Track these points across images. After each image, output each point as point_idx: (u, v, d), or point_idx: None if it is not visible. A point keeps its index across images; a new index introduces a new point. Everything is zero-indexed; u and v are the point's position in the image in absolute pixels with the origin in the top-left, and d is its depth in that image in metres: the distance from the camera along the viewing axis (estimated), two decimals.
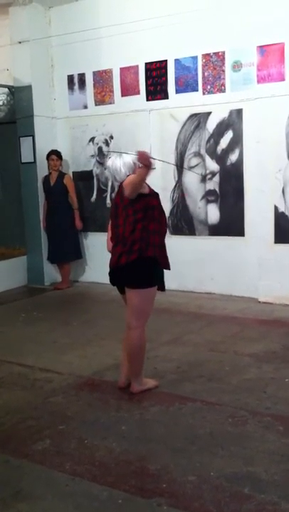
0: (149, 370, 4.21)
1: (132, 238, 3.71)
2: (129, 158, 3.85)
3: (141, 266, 3.73)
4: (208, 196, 6.59)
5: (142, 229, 3.72)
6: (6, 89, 7.72)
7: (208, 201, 6.60)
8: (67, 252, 7.35)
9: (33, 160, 7.47)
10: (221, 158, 6.45)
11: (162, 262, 3.84)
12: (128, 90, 6.99)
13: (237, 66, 6.24)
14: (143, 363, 3.90)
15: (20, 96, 7.45)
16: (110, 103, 7.14)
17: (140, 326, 3.83)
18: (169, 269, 3.89)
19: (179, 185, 6.77)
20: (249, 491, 2.69)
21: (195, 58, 6.47)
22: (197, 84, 6.49)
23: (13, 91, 7.54)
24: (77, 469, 2.96)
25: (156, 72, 6.76)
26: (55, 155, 7.28)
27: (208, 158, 6.52)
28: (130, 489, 2.75)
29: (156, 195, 3.89)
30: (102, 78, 7.17)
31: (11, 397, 3.97)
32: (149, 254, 3.72)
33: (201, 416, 3.52)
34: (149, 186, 3.84)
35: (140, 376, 3.91)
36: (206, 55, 6.39)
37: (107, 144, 7.22)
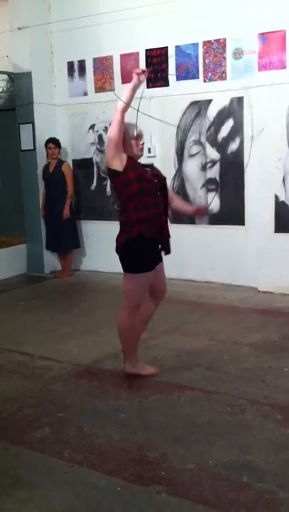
0: (149, 358, 4.22)
1: (121, 220, 3.75)
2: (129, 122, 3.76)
3: (127, 250, 3.72)
4: (209, 185, 6.56)
5: (123, 210, 3.73)
6: (6, 76, 7.67)
7: (209, 190, 6.58)
8: (64, 240, 7.33)
9: (32, 147, 7.43)
10: (221, 147, 6.41)
11: (152, 237, 3.71)
12: (128, 77, 6.89)
13: (238, 53, 6.19)
14: (133, 346, 3.94)
15: (19, 83, 7.40)
16: (110, 90, 7.08)
17: (126, 308, 3.84)
18: (165, 238, 3.81)
19: (179, 173, 6.74)
20: (247, 480, 2.71)
21: (196, 45, 6.42)
22: (198, 71, 6.44)
23: (13, 78, 7.49)
24: (76, 457, 2.97)
25: (156, 59, 6.71)
26: (52, 143, 7.25)
27: (208, 147, 6.49)
28: (129, 477, 2.76)
29: (134, 167, 3.70)
30: (103, 65, 7.12)
31: (11, 385, 3.98)
32: (134, 235, 3.66)
33: (200, 405, 3.53)
34: (129, 161, 3.70)
35: (132, 358, 3.95)
36: (207, 42, 6.33)
37: (107, 131, 7.17)
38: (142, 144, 3.82)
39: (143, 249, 3.73)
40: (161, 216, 3.79)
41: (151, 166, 3.96)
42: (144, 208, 3.68)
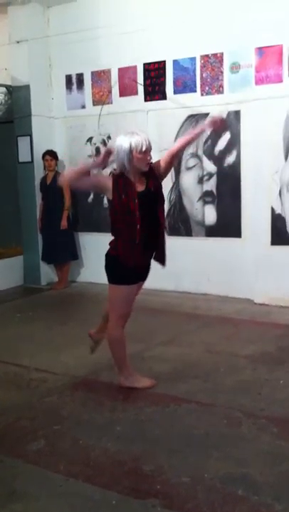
0: (145, 370, 4.22)
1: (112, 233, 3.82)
2: (143, 137, 3.70)
3: (107, 261, 3.81)
4: (206, 197, 6.60)
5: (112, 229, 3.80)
6: (4, 89, 7.70)
7: (206, 202, 6.60)
8: (61, 252, 7.33)
9: (30, 159, 7.46)
10: (218, 160, 6.45)
11: (123, 260, 3.72)
12: (126, 91, 6.99)
13: (235, 67, 6.25)
14: (123, 358, 3.94)
15: (18, 95, 7.45)
16: (108, 103, 7.13)
17: (111, 319, 3.88)
18: (130, 266, 3.76)
19: (176, 186, 6.77)
20: (243, 493, 2.70)
21: (193, 59, 6.48)
22: (195, 85, 6.50)
23: (11, 90, 7.53)
24: (71, 470, 2.96)
25: (154, 73, 6.76)
26: (49, 155, 7.28)
27: (205, 159, 6.53)
28: (124, 490, 2.75)
29: (118, 186, 3.70)
30: (100, 78, 7.17)
31: (6, 396, 3.97)
32: (112, 253, 3.77)
33: (196, 417, 3.53)
34: (116, 180, 3.72)
35: (124, 370, 3.95)
36: (204, 56, 6.40)
37: (104, 144, 7.21)
38: (150, 158, 3.77)
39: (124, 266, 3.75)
40: (139, 245, 3.72)
41: (148, 173, 3.82)
42: (123, 237, 3.71)
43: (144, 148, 3.66)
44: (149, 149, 3.71)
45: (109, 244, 3.84)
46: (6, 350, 4.93)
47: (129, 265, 3.73)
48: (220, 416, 3.52)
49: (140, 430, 3.39)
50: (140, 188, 3.74)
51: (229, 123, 6.33)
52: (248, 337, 5.11)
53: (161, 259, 3.94)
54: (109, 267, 3.83)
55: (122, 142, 3.67)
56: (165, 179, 6.72)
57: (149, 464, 2.98)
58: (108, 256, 3.82)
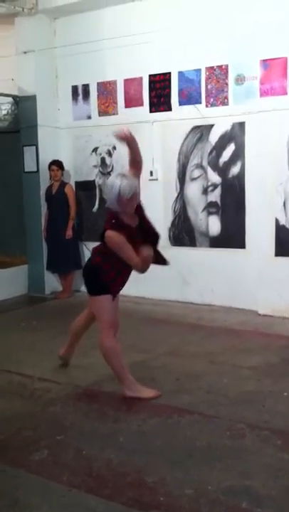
0: (148, 380, 4.21)
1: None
2: (130, 183, 3.79)
3: (91, 273, 3.97)
4: (210, 208, 6.61)
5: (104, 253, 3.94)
6: (11, 99, 7.76)
7: (210, 213, 6.62)
8: (66, 262, 7.35)
9: (36, 169, 7.51)
10: (222, 171, 6.48)
11: (112, 284, 3.95)
12: (132, 102, 7.03)
13: (240, 79, 6.28)
14: (121, 368, 3.98)
15: (24, 105, 7.50)
16: (114, 114, 7.18)
17: (102, 330, 3.98)
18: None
19: (181, 196, 6.80)
20: (246, 506, 2.69)
21: (198, 71, 6.52)
22: (200, 96, 6.53)
23: (18, 100, 7.59)
24: (74, 480, 2.95)
25: (159, 84, 6.81)
26: (55, 165, 7.32)
27: (210, 171, 6.55)
28: (127, 501, 2.75)
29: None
30: (106, 89, 7.22)
31: (10, 406, 3.97)
32: (97, 263, 3.94)
33: (199, 428, 3.52)
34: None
35: (126, 380, 3.97)
36: (209, 68, 6.44)
37: (110, 154, 7.26)
38: (137, 201, 3.90)
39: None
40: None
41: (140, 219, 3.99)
42: (117, 266, 3.88)
43: (129, 196, 3.76)
44: (135, 195, 3.82)
45: (93, 254, 3.97)
46: (10, 359, 4.94)
47: (117, 287, 3.97)
48: (223, 428, 3.51)
49: (143, 441, 3.38)
50: (133, 223, 3.91)
51: (234, 134, 6.36)
52: (252, 348, 5.10)
53: (163, 262, 4.17)
54: (93, 278, 3.94)
55: (113, 184, 3.77)
56: (169, 189, 6.86)
57: (152, 475, 2.98)
58: (91, 267, 3.94)
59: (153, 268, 6.96)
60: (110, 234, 3.79)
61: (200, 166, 6.63)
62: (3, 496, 2.84)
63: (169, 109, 6.76)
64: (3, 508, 2.74)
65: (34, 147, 7.45)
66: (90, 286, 3.99)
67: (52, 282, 7.68)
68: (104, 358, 4.01)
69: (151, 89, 6.86)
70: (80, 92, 7.44)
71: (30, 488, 2.92)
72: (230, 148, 6.40)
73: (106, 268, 3.89)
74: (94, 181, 7.47)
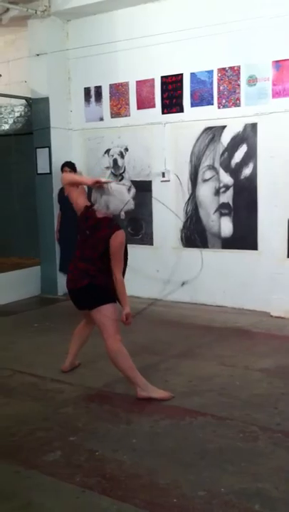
0: (160, 382, 4.22)
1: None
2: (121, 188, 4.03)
3: (95, 290, 4.03)
4: (222, 209, 6.61)
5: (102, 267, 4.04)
6: (24, 101, 7.82)
7: (222, 214, 6.62)
8: None
9: (48, 171, 7.55)
10: (234, 172, 6.47)
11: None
12: (144, 103, 7.05)
13: (252, 80, 6.28)
14: (132, 369, 3.99)
15: (37, 108, 7.55)
16: (126, 115, 7.20)
17: (109, 337, 4.00)
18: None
19: (193, 198, 6.80)
20: (259, 508, 2.69)
21: (211, 72, 6.52)
22: (212, 98, 6.54)
23: (31, 103, 7.64)
24: (87, 482, 2.97)
25: (172, 86, 6.82)
26: (68, 167, 7.33)
27: (222, 172, 6.55)
28: (140, 503, 2.76)
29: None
30: (119, 91, 7.24)
31: (23, 407, 3.99)
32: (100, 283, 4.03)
33: (211, 430, 3.52)
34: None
35: (138, 381, 3.98)
36: (221, 70, 6.44)
37: (122, 156, 7.28)
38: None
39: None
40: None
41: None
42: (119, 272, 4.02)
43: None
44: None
45: (92, 275, 4.00)
46: (23, 360, 4.97)
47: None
48: (235, 430, 3.51)
49: (155, 443, 3.39)
50: None
51: (246, 136, 6.36)
52: (264, 350, 5.10)
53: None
54: (97, 293, 4.00)
55: (123, 192, 4.01)
56: (181, 191, 6.87)
57: (164, 477, 2.99)
58: (94, 286, 3.99)
59: (165, 269, 6.99)
60: (121, 233, 3.93)
61: (212, 167, 6.63)
62: (17, 496, 2.86)
63: (181, 110, 6.77)
64: (17, 508, 2.76)
65: (47, 149, 7.49)
66: (91, 302, 4.03)
67: (64, 283, 7.68)
68: (113, 362, 4.02)
69: (163, 91, 6.87)
70: (93, 94, 7.47)
71: (44, 489, 2.94)
72: (243, 150, 6.39)
73: (106, 282, 3.98)
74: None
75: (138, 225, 7.21)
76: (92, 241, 4.01)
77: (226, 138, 6.49)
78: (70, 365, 4.62)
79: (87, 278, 4.01)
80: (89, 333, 4.59)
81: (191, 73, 6.65)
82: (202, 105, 6.61)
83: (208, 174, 6.67)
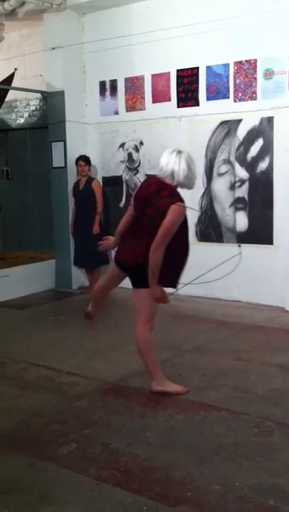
0: (174, 377, 4.22)
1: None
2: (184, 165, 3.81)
3: (144, 269, 3.80)
4: (237, 204, 6.57)
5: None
6: (39, 95, 7.83)
7: (237, 209, 6.58)
8: (92, 257, 7.36)
9: (63, 165, 7.55)
10: (250, 166, 6.43)
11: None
12: (159, 97, 7.02)
13: (269, 74, 6.22)
14: (154, 361, 3.96)
15: (52, 101, 7.55)
16: (141, 109, 7.18)
17: (142, 323, 3.94)
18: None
19: (208, 192, 6.77)
20: (274, 503, 2.68)
21: (227, 66, 6.47)
22: (228, 91, 6.49)
23: (46, 96, 7.64)
24: (102, 474, 2.97)
25: (187, 79, 6.78)
26: (83, 160, 7.34)
27: (237, 166, 6.51)
28: (155, 496, 2.76)
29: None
30: (134, 85, 7.22)
31: (38, 400, 4.01)
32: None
33: (226, 425, 3.51)
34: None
35: (156, 375, 3.96)
36: (237, 63, 6.38)
37: (137, 150, 7.26)
38: None
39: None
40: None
41: None
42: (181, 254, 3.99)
43: None
44: None
45: (138, 255, 3.81)
46: (38, 354, 4.99)
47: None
48: (250, 425, 3.49)
49: (170, 437, 3.39)
50: None
51: (262, 129, 6.30)
52: (280, 345, 5.07)
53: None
54: (143, 275, 3.79)
55: (191, 166, 3.85)
56: (197, 184, 6.84)
57: (179, 471, 2.98)
58: (140, 268, 3.78)
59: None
60: (181, 206, 3.73)
61: (227, 161, 6.59)
62: (32, 489, 2.88)
63: (197, 104, 6.73)
64: (32, 501, 2.77)
65: (62, 143, 7.50)
66: (137, 280, 3.87)
67: (79, 277, 7.73)
68: (138, 350, 3.97)
69: (178, 85, 6.83)
70: (108, 88, 7.46)
71: (59, 481, 2.95)
72: (259, 144, 6.34)
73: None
74: (121, 177, 7.48)
75: None
76: (150, 211, 3.77)
77: (241, 132, 6.44)
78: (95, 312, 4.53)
79: (134, 258, 3.83)
80: (108, 294, 4.47)
81: (207, 66, 6.60)
82: (218, 99, 6.56)
83: (224, 168, 6.63)
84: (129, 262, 3.88)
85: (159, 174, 3.89)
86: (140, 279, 3.84)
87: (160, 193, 3.79)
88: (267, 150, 6.29)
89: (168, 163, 3.83)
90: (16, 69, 8.09)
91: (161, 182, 3.84)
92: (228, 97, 6.49)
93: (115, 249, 4.14)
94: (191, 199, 6.76)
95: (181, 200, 3.78)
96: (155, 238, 3.68)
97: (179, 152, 3.87)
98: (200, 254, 6.81)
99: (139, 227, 3.89)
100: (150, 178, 3.83)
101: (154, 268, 3.71)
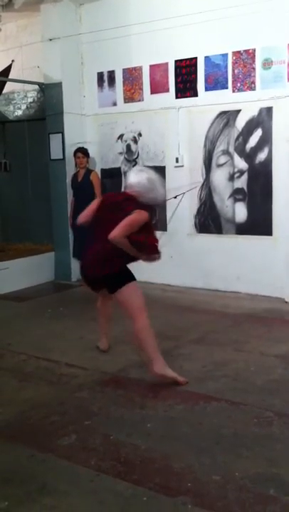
0: (175, 368, 4.21)
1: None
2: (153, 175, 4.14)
3: (113, 275, 4.13)
4: (236, 195, 6.55)
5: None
6: (37, 86, 7.78)
7: (236, 200, 6.56)
8: None
9: (62, 157, 7.52)
10: (249, 157, 6.40)
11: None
12: (157, 88, 6.98)
13: (267, 64, 6.19)
14: (155, 345, 4.01)
15: (50, 93, 7.51)
16: (139, 100, 7.14)
17: (135, 315, 4.03)
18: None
19: (207, 183, 6.75)
20: (274, 493, 2.68)
21: (225, 56, 6.44)
22: (227, 81, 6.45)
23: (44, 88, 7.60)
24: (102, 465, 2.98)
25: (185, 70, 6.74)
26: (81, 152, 7.30)
27: (236, 157, 6.49)
28: (155, 487, 2.76)
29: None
30: (132, 75, 7.18)
31: (38, 391, 4.02)
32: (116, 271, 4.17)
33: (226, 416, 3.52)
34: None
35: (157, 360, 3.99)
36: (236, 53, 6.35)
37: (135, 141, 7.24)
38: None
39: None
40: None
41: None
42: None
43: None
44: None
45: (109, 263, 4.07)
46: (37, 345, 4.99)
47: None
48: (250, 415, 3.50)
49: (170, 428, 3.39)
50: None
51: (261, 120, 6.28)
52: (279, 336, 5.07)
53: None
54: (115, 277, 4.07)
55: (156, 188, 4.13)
56: (196, 176, 6.82)
57: (179, 461, 2.99)
58: (111, 275, 4.08)
59: (179, 255, 7.00)
60: (145, 213, 4.01)
61: (226, 152, 6.57)
62: (32, 480, 2.88)
63: (195, 94, 6.69)
64: (32, 492, 2.78)
65: (60, 134, 7.47)
66: (115, 284, 4.07)
67: (78, 269, 7.70)
68: (138, 338, 4.02)
69: (177, 75, 6.80)
70: (106, 79, 7.42)
71: (59, 472, 2.95)
72: (258, 134, 6.32)
73: (121, 262, 4.07)
74: (120, 168, 7.46)
75: (152, 211, 7.17)
76: (116, 217, 3.98)
77: (240, 122, 6.42)
78: (108, 343, 4.76)
79: (102, 268, 4.08)
80: (110, 307, 4.69)
81: (206, 57, 6.56)
82: (216, 89, 6.53)
83: (223, 159, 6.61)
84: (97, 273, 4.15)
85: (127, 190, 4.20)
86: (115, 283, 4.07)
87: (128, 201, 4.09)
88: (266, 140, 6.27)
89: (135, 184, 4.11)
90: (13, 60, 8.04)
91: (130, 195, 4.13)
92: (227, 88, 6.46)
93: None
94: (190, 191, 6.78)
95: (147, 211, 4.04)
96: (115, 229, 3.92)
97: (145, 172, 4.20)
98: (199, 245, 6.84)
99: (101, 233, 4.05)
100: (119, 192, 4.34)
101: (128, 249, 3.98)
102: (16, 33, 8.13)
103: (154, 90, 7.01)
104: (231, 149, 6.51)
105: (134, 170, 4.34)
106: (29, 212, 8.18)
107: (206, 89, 6.61)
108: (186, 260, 6.92)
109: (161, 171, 7.02)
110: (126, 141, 7.34)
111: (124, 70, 7.23)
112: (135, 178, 4.12)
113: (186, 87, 6.75)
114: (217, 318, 5.73)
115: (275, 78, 6.12)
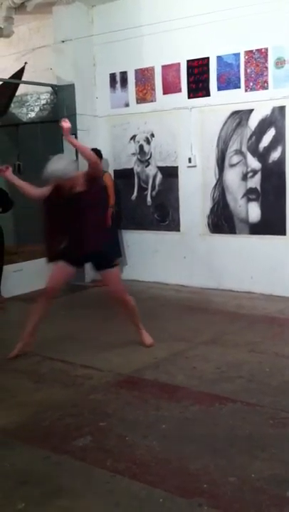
0: (188, 369, 4.22)
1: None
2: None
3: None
4: (249, 194, 6.53)
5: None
6: (50, 88, 7.80)
7: (249, 199, 6.54)
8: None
9: (75, 158, 7.52)
10: (262, 156, 6.38)
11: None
12: (170, 88, 6.98)
13: (280, 63, 6.16)
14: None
15: (63, 95, 7.53)
16: (152, 101, 7.14)
17: (123, 290, 4.91)
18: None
19: (220, 183, 6.73)
20: None
21: (237, 55, 6.42)
22: (239, 81, 6.43)
23: (56, 90, 7.62)
24: (117, 467, 2.98)
25: (198, 70, 6.73)
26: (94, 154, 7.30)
27: (249, 156, 6.46)
28: (170, 488, 2.76)
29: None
30: (144, 76, 7.18)
31: (52, 393, 4.02)
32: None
33: (241, 417, 3.50)
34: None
35: (142, 327, 4.85)
36: (248, 52, 6.32)
37: (148, 142, 7.24)
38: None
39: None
40: None
41: None
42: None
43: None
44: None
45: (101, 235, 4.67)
46: (52, 347, 5.00)
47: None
48: (265, 416, 3.48)
49: (185, 429, 3.39)
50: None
51: (274, 119, 6.25)
52: None
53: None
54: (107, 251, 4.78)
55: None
56: (209, 176, 6.80)
57: (194, 463, 2.98)
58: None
59: (192, 256, 6.97)
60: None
61: (239, 151, 6.55)
62: (48, 482, 2.88)
63: (208, 94, 6.68)
64: (48, 494, 2.78)
65: (73, 136, 7.45)
66: (106, 260, 4.73)
67: (92, 270, 7.71)
68: (132, 309, 4.78)
69: (189, 75, 6.79)
70: (118, 80, 7.43)
71: (74, 474, 2.95)
72: (271, 133, 6.29)
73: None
74: (132, 169, 7.46)
75: (165, 211, 7.18)
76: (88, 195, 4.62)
77: (253, 122, 6.39)
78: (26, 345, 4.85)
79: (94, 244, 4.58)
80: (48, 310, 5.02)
81: (218, 56, 6.55)
82: (229, 89, 6.51)
83: (236, 159, 6.59)
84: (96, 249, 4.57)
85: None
86: (108, 258, 4.72)
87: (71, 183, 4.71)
88: (279, 140, 6.24)
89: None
90: (26, 63, 8.07)
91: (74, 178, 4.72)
92: (239, 87, 6.44)
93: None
94: (204, 190, 6.77)
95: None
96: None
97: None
98: (212, 245, 6.82)
99: (73, 217, 4.56)
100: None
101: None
102: (28, 36, 8.17)
103: (166, 91, 7.01)
104: (244, 149, 6.49)
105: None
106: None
107: (219, 88, 6.59)
108: (200, 261, 6.90)
109: (174, 171, 7.04)
110: (139, 142, 7.34)
111: (137, 71, 7.23)
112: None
113: (198, 87, 6.74)
114: (231, 318, 5.71)
115: (288, 77, 6.09)
